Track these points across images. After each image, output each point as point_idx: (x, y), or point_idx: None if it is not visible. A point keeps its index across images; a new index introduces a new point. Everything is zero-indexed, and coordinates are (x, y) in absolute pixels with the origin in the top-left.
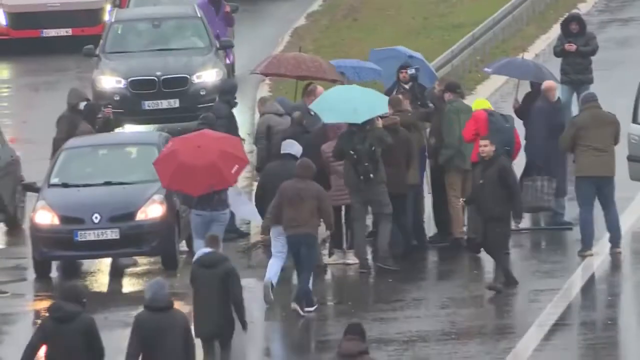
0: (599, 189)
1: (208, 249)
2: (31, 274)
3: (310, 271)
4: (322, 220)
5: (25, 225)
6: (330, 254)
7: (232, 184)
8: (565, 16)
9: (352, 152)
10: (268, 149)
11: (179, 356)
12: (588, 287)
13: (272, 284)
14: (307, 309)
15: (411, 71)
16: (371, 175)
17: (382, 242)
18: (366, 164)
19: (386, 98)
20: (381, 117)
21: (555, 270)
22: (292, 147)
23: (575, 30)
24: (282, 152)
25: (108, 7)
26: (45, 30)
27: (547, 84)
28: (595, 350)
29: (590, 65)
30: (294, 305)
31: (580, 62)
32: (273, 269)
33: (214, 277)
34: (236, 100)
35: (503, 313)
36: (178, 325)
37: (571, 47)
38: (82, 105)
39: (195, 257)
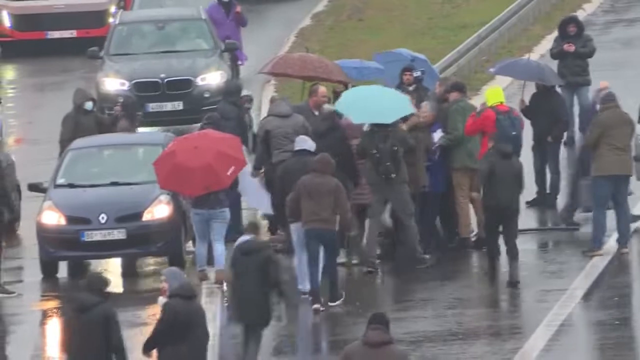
0: (616, 188)
1: (248, 236)
2: (27, 275)
3: (335, 265)
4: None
5: (19, 228)
6: None
7: (227, 186)
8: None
9: (374, 151)
10: (264, 152)
11: (204, 343)
12: (595, 287)
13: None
14: (326, 304)
15: (417, 74)
16: (392, 175)
17: (412, 241)
18: (388, 163)
19: (406, 97)
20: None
21: (563, 271)
22: (305, 142)
23: (573, 32)
24: (296, 148)
25: (113, 8)
26: (49, 32)
27: None
28: (602, 351)
29: (587, 67)
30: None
31: (578, 64)
32: (304, 266)
33: (253, 264)
34: (247, 104)
35: (510, 313)
36: (203, 314)
37: (570, 47)
38: (87, 105)
39: (237, 243)
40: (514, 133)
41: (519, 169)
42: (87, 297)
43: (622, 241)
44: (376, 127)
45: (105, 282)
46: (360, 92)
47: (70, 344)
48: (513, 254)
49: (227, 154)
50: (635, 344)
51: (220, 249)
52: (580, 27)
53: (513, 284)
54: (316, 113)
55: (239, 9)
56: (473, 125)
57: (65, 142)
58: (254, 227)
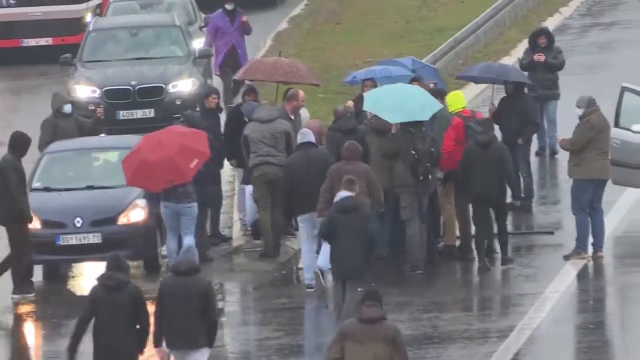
0: (595, 191)
1: (347, 193)
2: (1, 279)
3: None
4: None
5: None
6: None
7: (189, 179)
8: (533, 30)
9: (413, 152)
10: (245, 156)
11: (197, 318)
12: (570, 291)
13: (320, 272)
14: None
15: (431, 85)
16: (430, 177)
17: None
18: (427, 164)
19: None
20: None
21: (537, 275)
22: (308, 135)
23: (544, 44)
24: (301, 141)
25: (89, 16)
26: (25, 40)
27: None
28: (577, 354)
29: (557, 81)
30: None
31: (548, 78)
32: (309, 256)
33: (352, 221)
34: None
35: (485, 317)
36: (200, 290)
37: (540, 57)
38: (66, 108)
39: (335, 199)
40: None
41: (500, 155)
42: (121, 276)
43: (598, 245)
44: (412, 128)
45: (126, 262)
46: (388, 91)
47: (101, 322)
48: (503, 238)
49: (190, 147)
50: (610, 348)
51: (189, 243)
52: (551, 39)
53: (507, 260)
54: (292, 117)
55: (244, 18)
56: (447, 139)
57: (43, 147)
58: (350, 183)
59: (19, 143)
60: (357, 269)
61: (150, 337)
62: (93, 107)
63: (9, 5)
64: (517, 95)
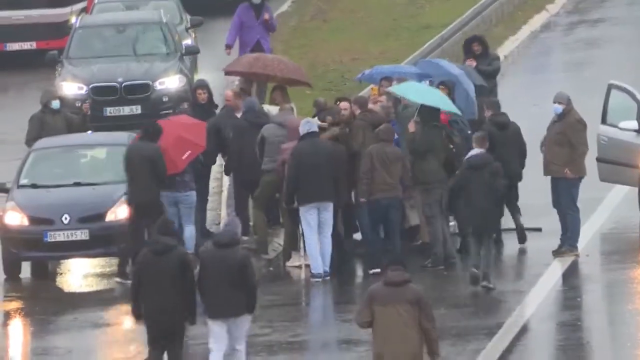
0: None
1: (478, 150)
2: None
3: (398, 232)
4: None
5: None
6: (288, 257)
7: (180, 170)
8: (468, 37)
9: (451, 146)
10: (260, 157)
11: (236, 288)
12: (557, 288)
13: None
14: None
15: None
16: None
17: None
18: (462, 158)
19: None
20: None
21: (524, 272)
22: (312, 124)
23: (478, 51)
24: (306, 131)
25: (73, 19)
26: (8, 44)
27: None
28: (564, 351)
29: (495, 88)
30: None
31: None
32: (315, 245)
33: (483, 177)
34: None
35: (473, 314)
36: (238, 261)
37: (472, 62)
38: (53, 103)
39: (467, 157)
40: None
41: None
42: (167, 240)
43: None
44: (438, 123)
45: (173, 226)
46: (414, 83)
47: (149, 285)
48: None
49: (186, 138)
50: (597, 345)
51: (189, 232)
52: (485, 46)
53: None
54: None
55: (267, 16)
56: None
57: (30, 142)
58: (483, 140)
59: (156, 131)
60: (490, 222)
61: None
62: (80, 104)
63: None
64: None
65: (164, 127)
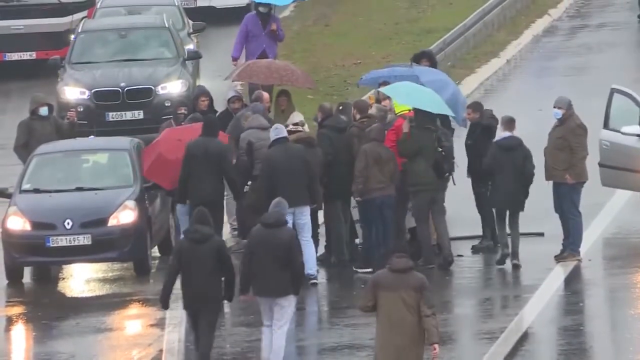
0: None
1: (507, 133)
2: None
3: (390, 231)
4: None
5: None
6: None
7: None
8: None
9: (440, 149)
10: (249, 165)
11: (283, 267)
12: (559, 293)
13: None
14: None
15: None
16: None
17: (446, 238)
18: (453, 160)
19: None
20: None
21: (527, 277)
22: (282, 130)
23: (427, 66)
24: (276, 137)
25: (73, 29)
26: (8, 54)
27: None
28: (566, 356)
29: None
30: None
31: None
32: (306, 248)
33: (514, 158)
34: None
35: (475, 319)
36: (285, 242)
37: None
38: (42, 110)
39: (497, 139)
40: (446, 145)
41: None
42: (205, 229)
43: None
44: (431, 126)
45: (209, 217)
46: (406, 83)
47: (187, 273)
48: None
49: None
50: (600, 349)
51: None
52: (434, 62)
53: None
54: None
55: (274, 26)
56: (388, 141)
57: (18, 148)
58: (511, 123)
59: (216, 126)
60: (518, 202)
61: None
62: (72, 110)
63: None
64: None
65: (181, 135)
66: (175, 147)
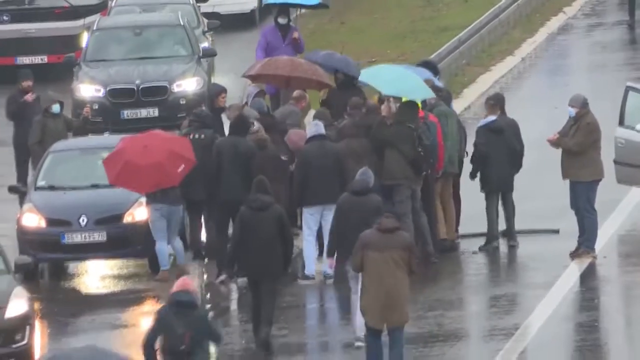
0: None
1: (493, 117)
2: None
3: None
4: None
5: None
6: None
7: (176, 183)
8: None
9: (420, 149)
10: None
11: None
12: (574, 290)
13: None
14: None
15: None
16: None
17: (425, 235)
18: (431, 160)
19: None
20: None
21: (542, 274)
22: (320, 127)
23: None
24: (314, 134)
25: (85, 33)
26: (19, 58)
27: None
28: (581, 352)
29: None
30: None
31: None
32: (311, 247)
33: (503, 140)
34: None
35: (490, 315)
36: (373, 207)
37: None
38: (54, 108)
39: (482, 123)
40: (426, 143)
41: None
42: (266, 198)
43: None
44: (411, 124)
45: (269, 185)
46: (386, 68)
47: (247, 240)
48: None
49: (178, 153)
50: (614, 346)
51: (179, 245)
52: (435, 70)
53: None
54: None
55: (296, 35)
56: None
57: (33, 146)
58: (494, 106)
59: (245, 125)
60: (509, 181)
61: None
62: (87, 108)
63: (2, 22)
64: (348, 86)
65: (145, 141)
66: (144, 153)
